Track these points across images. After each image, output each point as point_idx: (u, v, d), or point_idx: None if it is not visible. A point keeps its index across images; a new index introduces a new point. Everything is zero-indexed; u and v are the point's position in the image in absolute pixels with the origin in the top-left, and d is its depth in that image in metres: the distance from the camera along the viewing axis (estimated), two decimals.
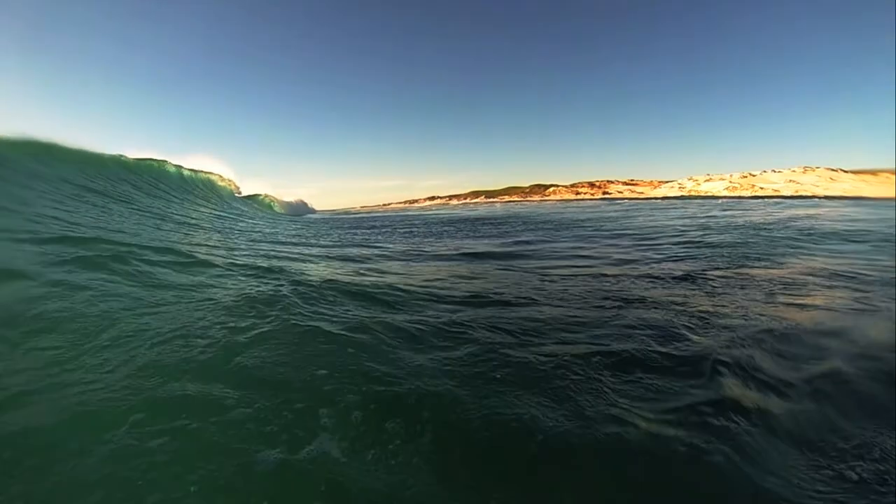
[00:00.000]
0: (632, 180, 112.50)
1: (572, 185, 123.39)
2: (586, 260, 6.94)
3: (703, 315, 3.67)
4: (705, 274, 5.38)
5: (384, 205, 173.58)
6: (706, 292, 4.51)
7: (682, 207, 27.58)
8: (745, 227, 11.23)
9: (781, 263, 6.05)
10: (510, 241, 10.19)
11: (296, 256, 7.06)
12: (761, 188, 70.72)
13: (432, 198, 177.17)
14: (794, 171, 76.48)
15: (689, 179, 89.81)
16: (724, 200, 38.73)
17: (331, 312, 3.57)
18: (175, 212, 12.33)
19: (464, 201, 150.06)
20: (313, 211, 52.78)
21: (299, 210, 45.22)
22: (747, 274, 5.38)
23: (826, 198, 47.66)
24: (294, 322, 3.21)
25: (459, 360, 2.72)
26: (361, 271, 5.83)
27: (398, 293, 4.31)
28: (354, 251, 8.27)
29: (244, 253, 6.91)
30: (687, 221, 13.97)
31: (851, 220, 12.89)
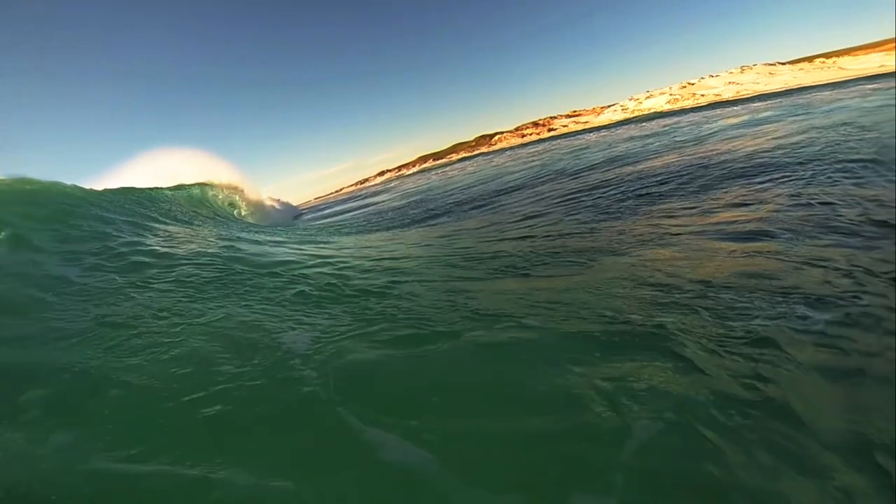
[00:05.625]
0: (574, 111, 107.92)
1: (517, 129, 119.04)
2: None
3: None
4: None
5: (337, 191, 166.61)
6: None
7: (610, 146, 23.55)
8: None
9: None
10: None
11: None
12: (702, 95, 68.23)
13: (382, 173, 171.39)
14: (731, 72, 73.65)
15: (631, 100, 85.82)
16: (662, 126, 35.06)
17: None
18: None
19: (413, 169, 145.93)
20: (300, 211, 45.95)
21: (291, 213, 39.10)
22: None
23: (767, 95, 44.87)
24: None
25: None
26: None
27: None
28: None
29: None
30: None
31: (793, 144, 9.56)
